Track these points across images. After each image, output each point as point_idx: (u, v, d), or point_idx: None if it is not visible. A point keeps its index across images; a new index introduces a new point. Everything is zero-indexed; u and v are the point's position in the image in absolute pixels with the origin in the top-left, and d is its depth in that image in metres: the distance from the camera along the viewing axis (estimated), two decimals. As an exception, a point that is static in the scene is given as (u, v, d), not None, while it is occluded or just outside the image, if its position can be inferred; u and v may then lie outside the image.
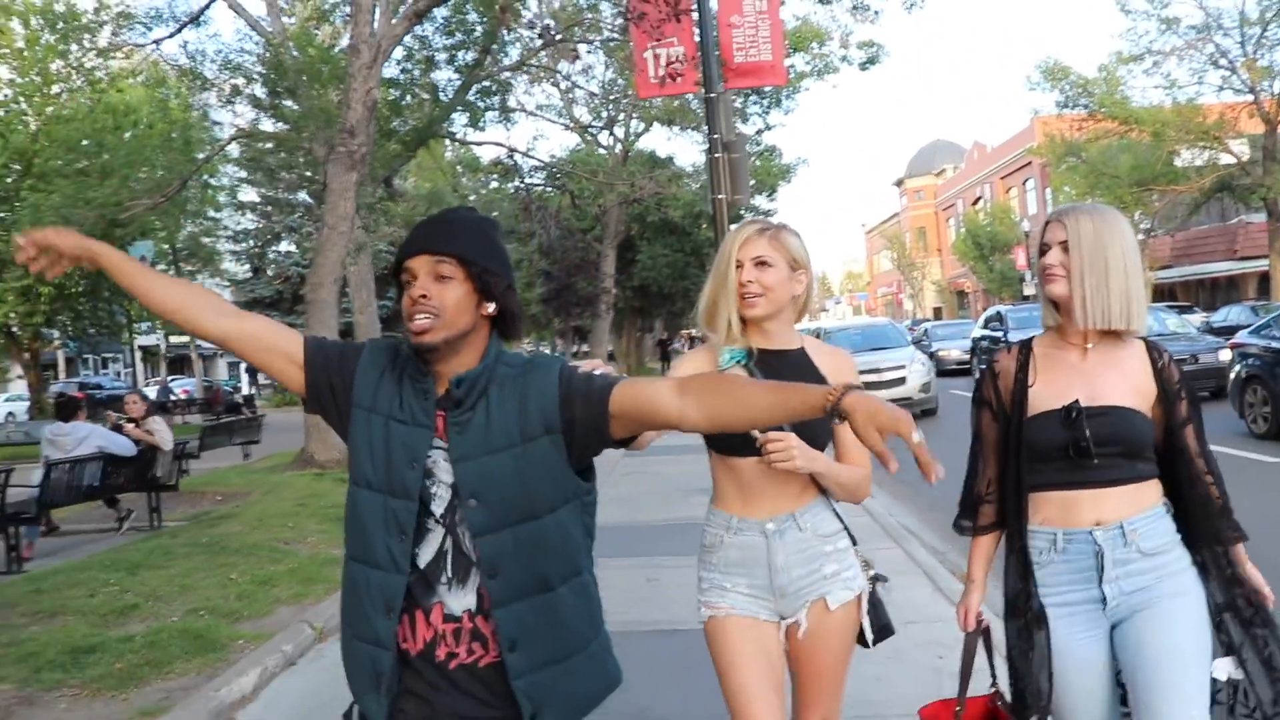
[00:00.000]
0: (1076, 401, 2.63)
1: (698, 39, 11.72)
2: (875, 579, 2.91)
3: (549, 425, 2.21)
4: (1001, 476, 2.81)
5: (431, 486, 2.21)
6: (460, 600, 2.19)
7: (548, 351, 53.38)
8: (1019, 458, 2.72)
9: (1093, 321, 2.65)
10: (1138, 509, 2.64)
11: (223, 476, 15.12)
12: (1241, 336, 13.95)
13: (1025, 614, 2.72)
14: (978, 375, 2.84)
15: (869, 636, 2.87)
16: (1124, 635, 2.62)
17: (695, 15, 11.50)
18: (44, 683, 5.52)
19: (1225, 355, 14.45)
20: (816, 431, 2.76)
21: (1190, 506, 2.69)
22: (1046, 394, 2.70)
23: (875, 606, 2.90)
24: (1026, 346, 2.83)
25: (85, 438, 10.68)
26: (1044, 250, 2.74)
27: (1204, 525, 2.68)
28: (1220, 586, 2.66)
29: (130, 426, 11.47)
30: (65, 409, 11.16)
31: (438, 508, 2.20)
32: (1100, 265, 2.62)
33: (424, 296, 2.16)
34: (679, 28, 11.86)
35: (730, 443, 2.76)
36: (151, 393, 33.69)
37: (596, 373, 2.27)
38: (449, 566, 2.19)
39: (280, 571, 8.02)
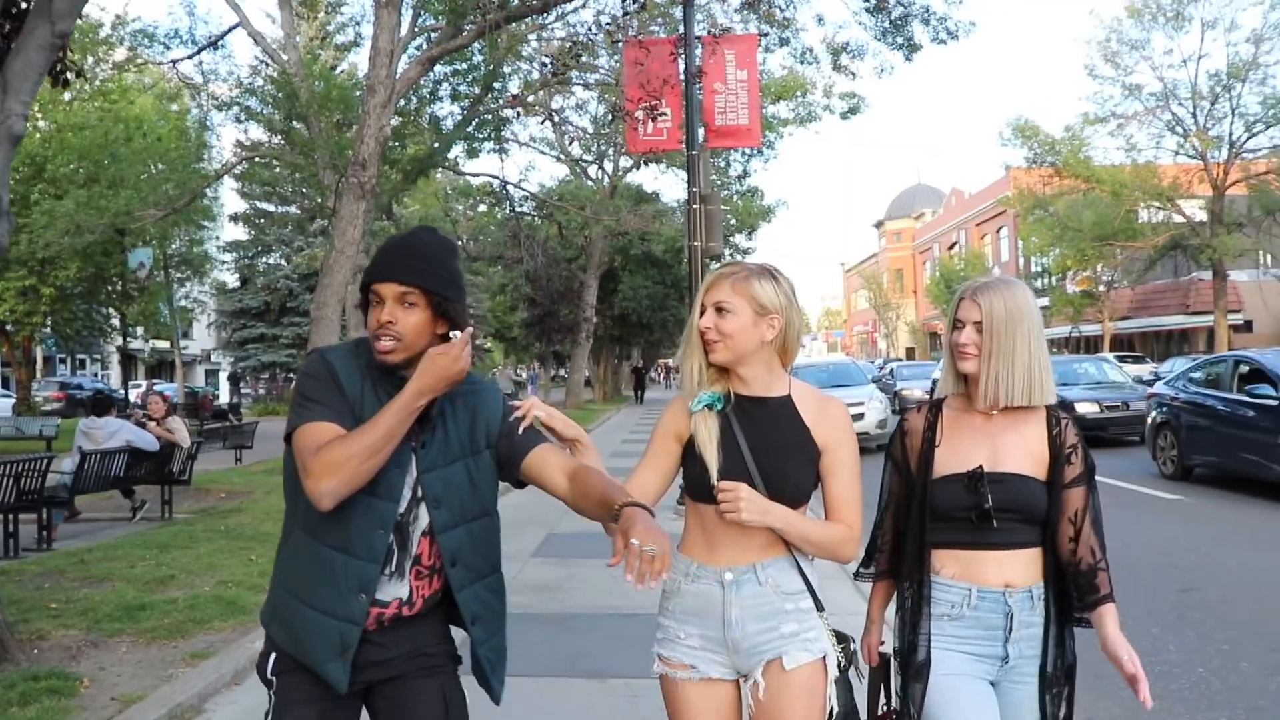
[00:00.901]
0: (980, 468, 2.71)
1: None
2: (849, 655, 2.81)
3: (490, 441, 2.59)
4: (901, 531, 2.92)
5: (403, 489, 2.48)
6: (392, 590, 2.48)
7: (524, 374, 54.00)
8: (922, 515, 2.79)
9: (995, 400, 2.75)
10: (1041, 575, 2.75)
11: (224, 476, 16.18)
12: (1157, 387, 15.26)
13: (910, 666, 2.80)
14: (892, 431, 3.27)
15: (833, 711, 2.71)
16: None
17: (682, 82, 12.78)
18: (105, 631, 6.57)
19: (1152, 404, 15.64)
20: (788, 484, 2.70)
21: (1066, 570, 2.79)
22: (951, 457, 2.78)
23: (844, 686, 2.77)
24: (936, 408, 2.92)
25: (116, 432, 11.69)
26: (958, 325, 2.82)
27: (1071, 588, 2.79)
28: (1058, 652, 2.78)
29: (152, 425, 12.49)
30: (100, 405, 12.16)
31: (400, 507, 2.47)
32: (1009, 346, 2.72)
33: (391, 322, 2.41)
34: (670, 90, 13.12)
35: (698, 487, 2.74)
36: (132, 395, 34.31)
37: (525, 423, 2.61)
38: (393, 561, 2.47)
39: (293, 556, 9.10)
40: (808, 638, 2.69)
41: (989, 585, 2.72)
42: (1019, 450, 2.76)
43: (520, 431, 2.59)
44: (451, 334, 2.44)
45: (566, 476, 2.49)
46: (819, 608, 2.72)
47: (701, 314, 2.75)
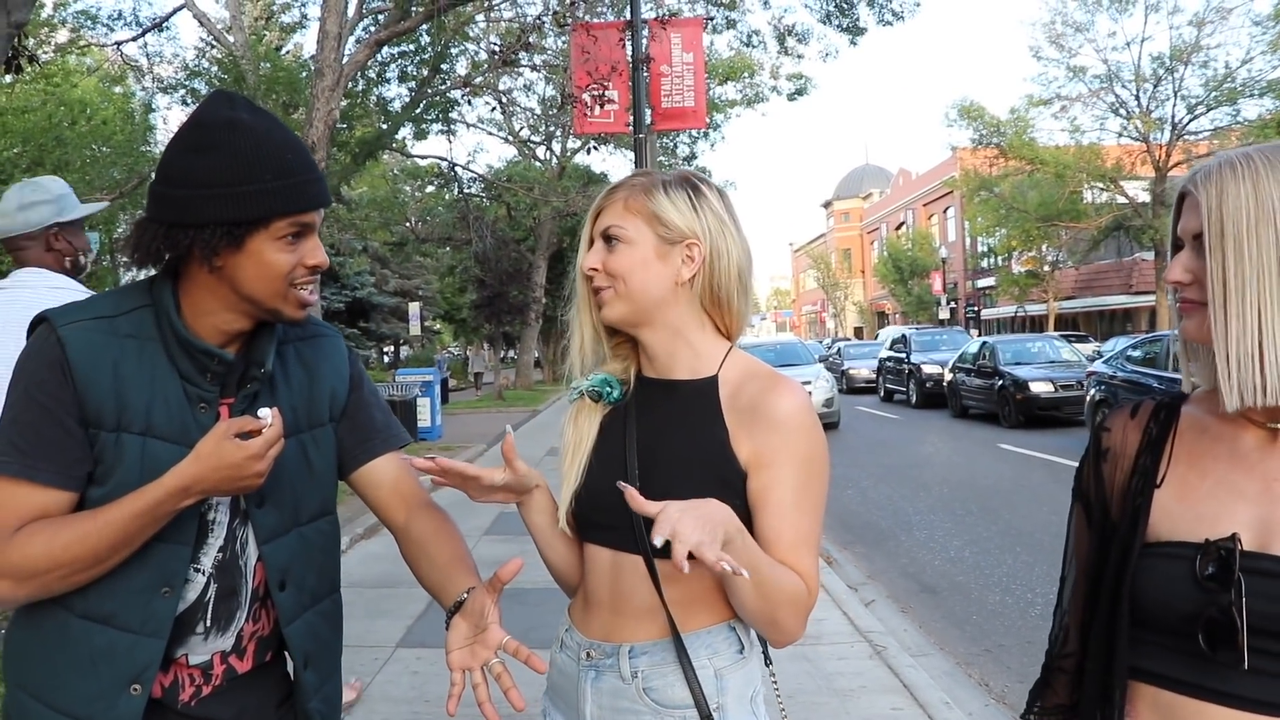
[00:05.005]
0: (1233, 538, 1.34)
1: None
2: None
3: (333, 414, 1.93)
4: (1087, 634, 1.56)
5: (209, 514, 1.76)
6: (213, 645, 1.78)
7: (455, 351, 53.64)
8: (1115, 611, 1.48)
9: (1243, 394, 1.36)
10: None
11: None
12: (1096, 365, 15.69)
13: None
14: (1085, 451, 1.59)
15: None
16: None
17: (629, 67, 12.94)
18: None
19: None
20: (696, 479, 1.68)
21: None
22: (1183, 509, 1.44)
23: None
24: (1169, 410, 1.55)
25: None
26: (1175, 248, 1.49)
27: None
28: None
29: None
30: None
31: (214, 540, 1.77)
32: (1269, 277, 1.33)
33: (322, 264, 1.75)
34: (617, 75, 13.29)
35: (590, 516, 1.82)
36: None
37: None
38: (208, 615, 1.77)
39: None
40: None
41: None
42: None
43: (374, 420, 1.98)
44: (259, 413, 1.64)
45: (403, 519, 1.91)
46: None
47: (589, 250, 1.82)
